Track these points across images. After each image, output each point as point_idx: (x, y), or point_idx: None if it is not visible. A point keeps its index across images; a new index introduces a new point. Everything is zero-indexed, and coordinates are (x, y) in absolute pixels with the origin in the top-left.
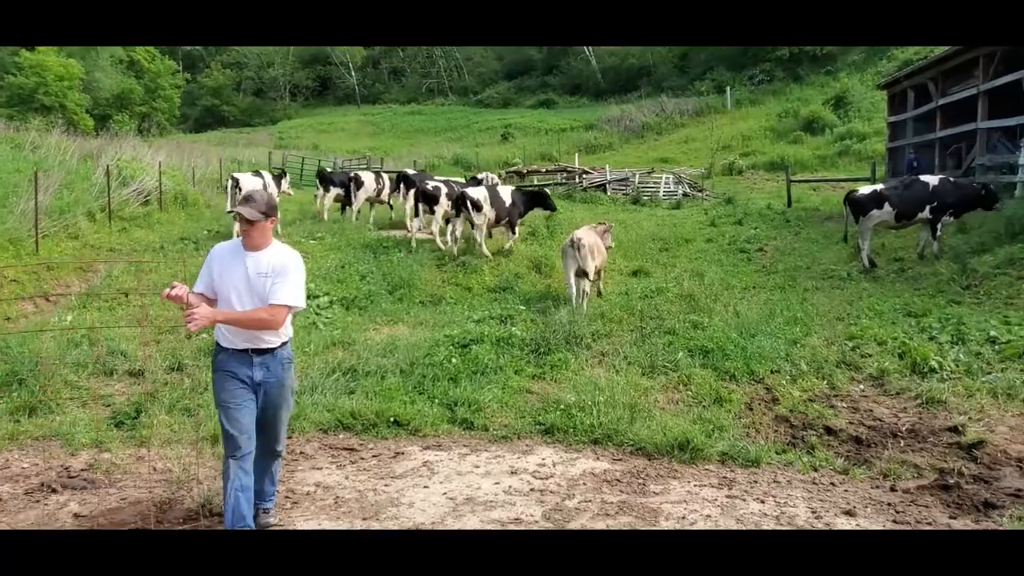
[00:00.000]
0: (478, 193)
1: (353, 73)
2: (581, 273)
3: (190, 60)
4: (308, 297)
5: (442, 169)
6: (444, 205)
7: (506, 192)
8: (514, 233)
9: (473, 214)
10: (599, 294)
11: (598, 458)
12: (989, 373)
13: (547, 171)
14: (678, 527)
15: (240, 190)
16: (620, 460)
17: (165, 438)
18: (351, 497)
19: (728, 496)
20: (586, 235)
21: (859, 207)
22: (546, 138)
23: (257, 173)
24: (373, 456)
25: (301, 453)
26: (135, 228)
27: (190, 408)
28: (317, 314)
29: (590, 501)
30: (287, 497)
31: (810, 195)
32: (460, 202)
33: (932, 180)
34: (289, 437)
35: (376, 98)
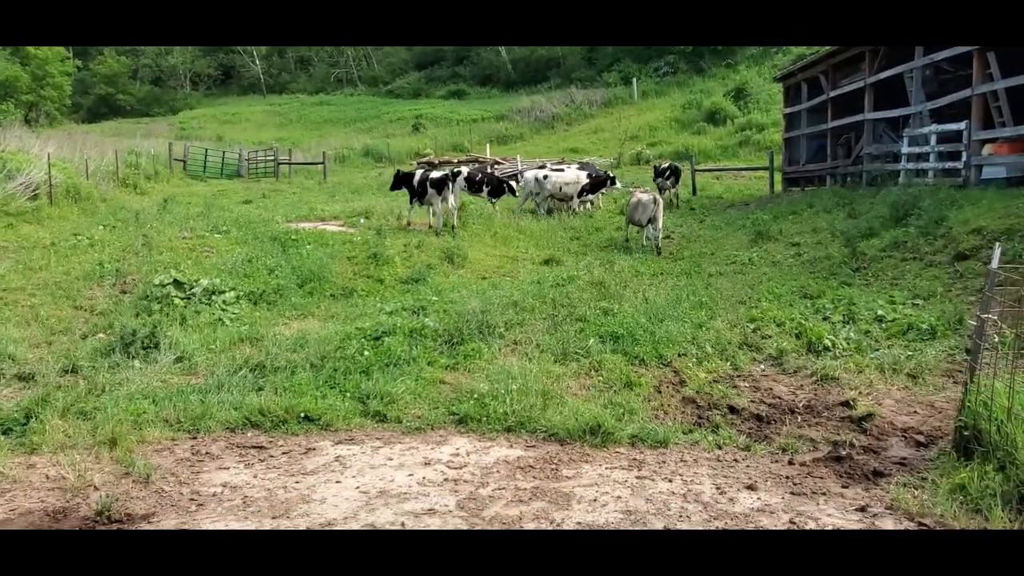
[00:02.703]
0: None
1: (258, 62)
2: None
3: (81, 47)
4: (213, 292)
5: (352, 160)
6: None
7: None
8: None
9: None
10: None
11: (511, 446)
12: (877, 350)
13: (459, 162)
14: (590, 510)
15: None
16: (533, 447)
17: (59, 444)
18: (260, 496)
19: (638, 477)
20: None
21: None
22: (457, 128)
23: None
24: (283, 453)
25: (207, 453)
26: (23, 224)
27: (86, 411)
28: (223, 309)
29: (504, 488)
30: (192, 500)
31: (713, 184)
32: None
33: None
34: (194, 437)
35: (282, 88)
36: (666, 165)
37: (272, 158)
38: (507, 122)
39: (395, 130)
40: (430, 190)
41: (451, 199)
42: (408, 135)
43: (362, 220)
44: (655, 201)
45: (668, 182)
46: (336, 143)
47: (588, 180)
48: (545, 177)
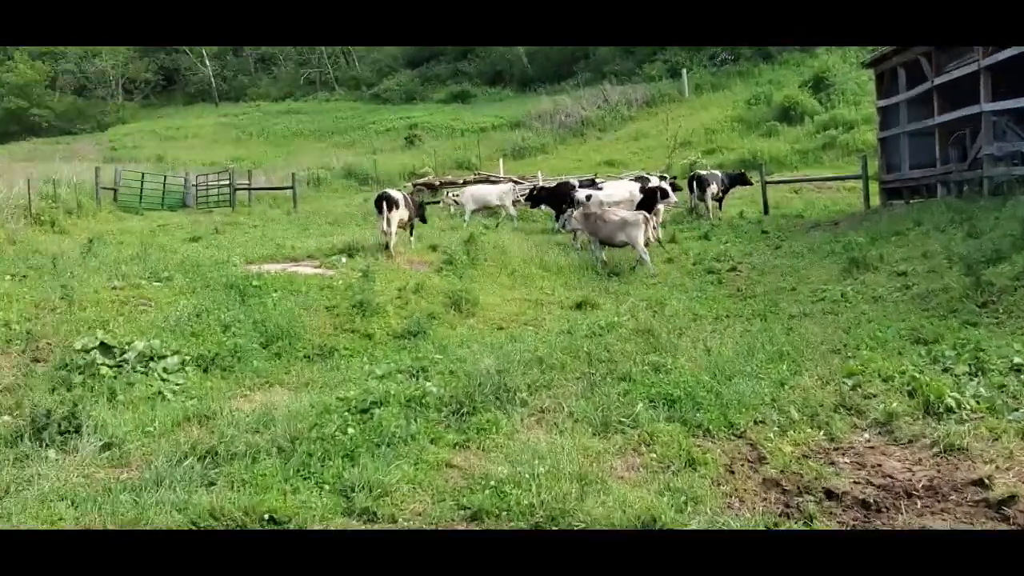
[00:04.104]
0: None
1: (208, 63)
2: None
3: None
4: (151, 358)
5: (330, 182)
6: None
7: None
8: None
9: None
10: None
11: None
12: (1016, 409)
13: (465, 182)
14: None
15: None
16: None
17: None
18: None
19: None
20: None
21: None
22: (462, 140)
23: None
24: None
25: None
26: None
27: None
28: (164, 380)
29: None
30: None
31: (791, 199)
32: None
33: None
34: None
35: (239, 94)
36: (691, 174)
37: (227, 183)
38: (525, 130)
39: (384, 144)
40: (375, 209)
41: (393, 221)
42: (400, 150)
43: (344, 259)
44: (628, 221)
45: (694, 195)
46: (309, 162)
47: (642, 194)
48: (588, 198)
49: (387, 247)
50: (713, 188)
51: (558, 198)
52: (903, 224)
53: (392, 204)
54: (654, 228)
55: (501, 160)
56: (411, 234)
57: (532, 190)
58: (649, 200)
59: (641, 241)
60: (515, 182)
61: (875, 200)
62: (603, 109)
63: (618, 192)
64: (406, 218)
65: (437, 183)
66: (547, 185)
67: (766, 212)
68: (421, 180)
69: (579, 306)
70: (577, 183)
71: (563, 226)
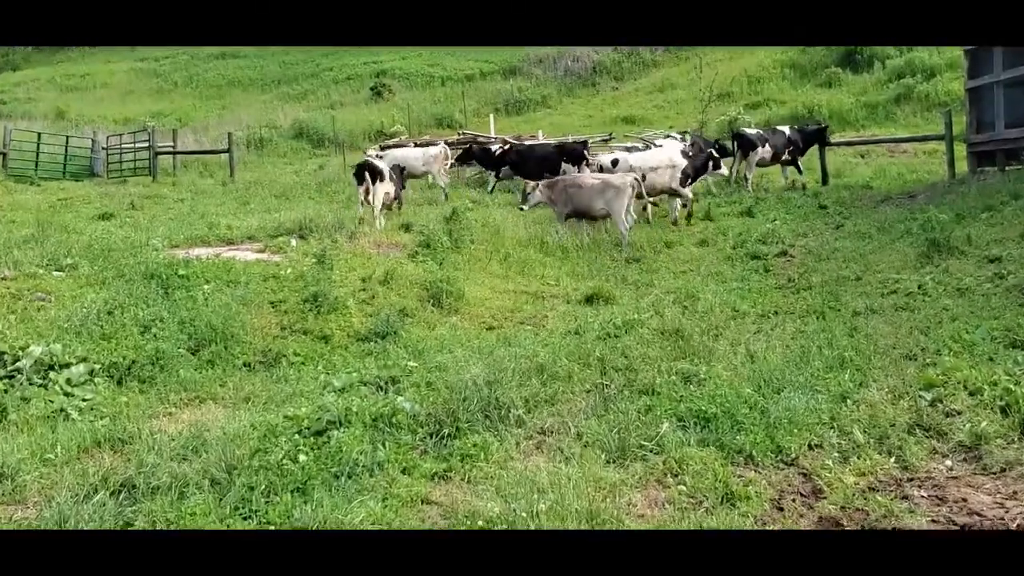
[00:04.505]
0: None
1: None
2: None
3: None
4: (50, 366)
5: (276, 144)
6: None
7: None
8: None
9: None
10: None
11: None
12: None
13: (447, 144)
14: None
15: None
16: None
17: None
18: None
19: None
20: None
21: None
22: (442, 91)
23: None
24: None
25: None
26: None
27: None
28: (66, 394)
29: None
30: None
31: (855, 165)
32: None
33: None
34: None
35: None
36: (734, 132)
37: (146, 145)
38: (521, 79)
39: (344, 96)
40: (355, 180)
41: (378, 196)
42: (365, 103)
43: (293, 242)
44: (611, 185)
45: (736, 157)
46: (249, 119)
47: (688, 161)
48: (615, 163)
49: (376, 223)
50: (761, 151)
51: (534, 164)
52: (997, 197)
53: (377, 175)
54: (683, 200)
55: (492, 116)
56: (379, 211)
57: (470, 147)
58: (700, 170)
59: (623, 212)
60: (506, 142)
61: (961, 167)
62: (620, 52)
63: (655, 157)
64: (392, 193)
65: (412, 145)
66: (517, 145)
67: (825, 182)
68: (391, 142)
69: (590, 300)
70: (554, 144)
71: (524, 202)
